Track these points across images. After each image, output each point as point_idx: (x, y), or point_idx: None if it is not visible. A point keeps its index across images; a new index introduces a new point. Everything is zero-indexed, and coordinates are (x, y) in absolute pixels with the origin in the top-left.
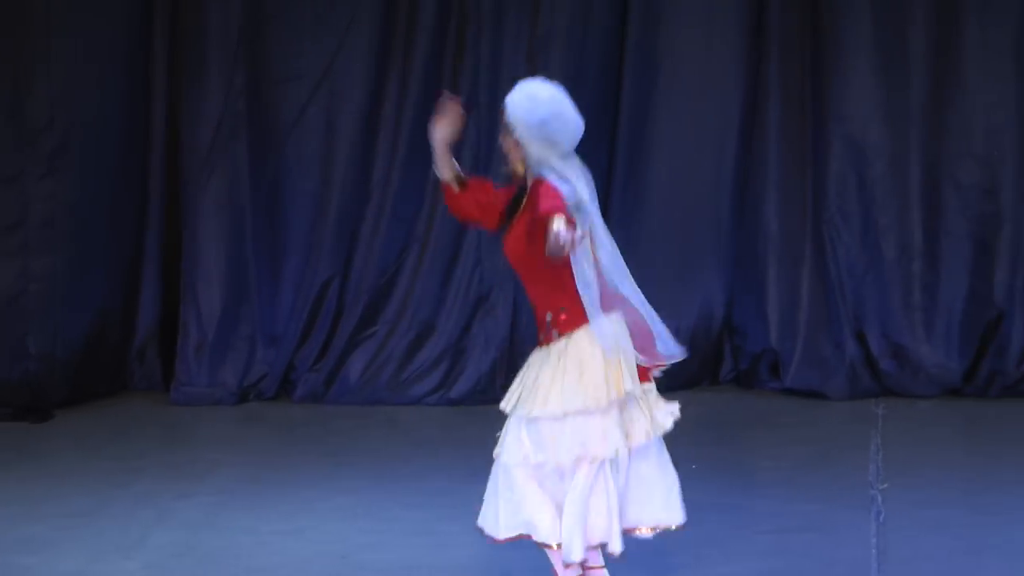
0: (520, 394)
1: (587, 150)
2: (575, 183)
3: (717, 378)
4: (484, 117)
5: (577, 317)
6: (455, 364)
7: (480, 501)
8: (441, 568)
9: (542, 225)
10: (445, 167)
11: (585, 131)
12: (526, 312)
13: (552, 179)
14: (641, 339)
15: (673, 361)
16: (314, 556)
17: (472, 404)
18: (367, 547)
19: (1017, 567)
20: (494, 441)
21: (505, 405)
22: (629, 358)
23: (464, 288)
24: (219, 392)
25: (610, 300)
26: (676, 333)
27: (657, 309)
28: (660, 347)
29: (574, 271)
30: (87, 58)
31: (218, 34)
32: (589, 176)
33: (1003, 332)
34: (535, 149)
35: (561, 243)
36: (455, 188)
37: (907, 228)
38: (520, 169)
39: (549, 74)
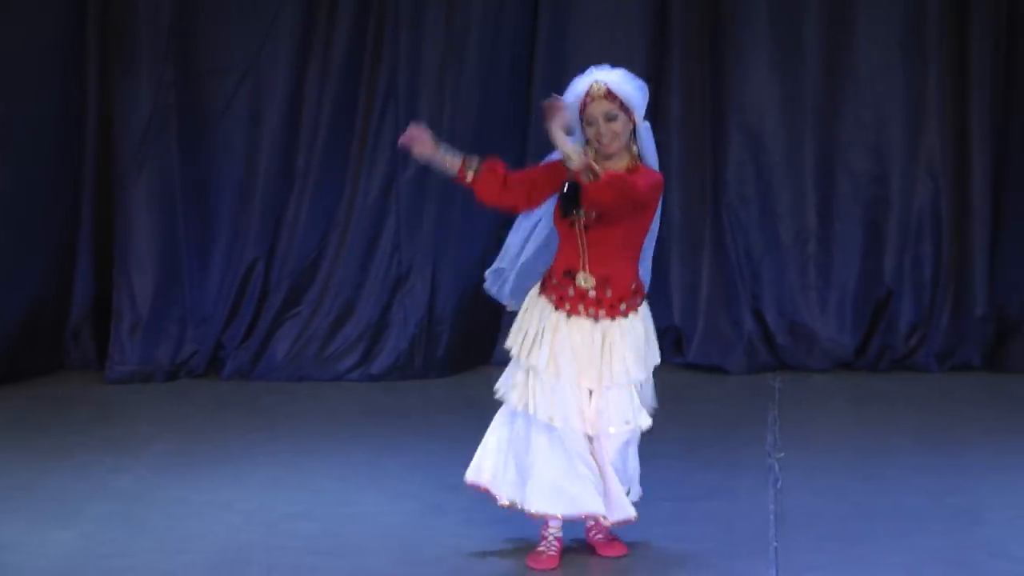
0: (600, 369)
1: (501, 140)
2: (652, 163)
3: None
4: (402, 110)
5: (641, 294)
6: (375, 342)
7: (400, 472)
8: (363, 535)
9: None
10: (574, 155)
11: (498, 123)
12: (444, 292)
13: (649, 159)
14: None
15: None
16: (243, 525)
17: (392, 380)
18: (293, 517)
19: (906, 530)
20: (413, 415)
21: (582, 380)
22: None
23: (383, 270)
24: (151, 370)
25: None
26: None
27: None
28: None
29: (643, 252)
30: (21, 52)
31: (148, 29)
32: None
33: (892, 309)
34: (640, 119)
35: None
36: (587, 177)
37: (802, 212)
38: (614, 150)
39: (463, 69)
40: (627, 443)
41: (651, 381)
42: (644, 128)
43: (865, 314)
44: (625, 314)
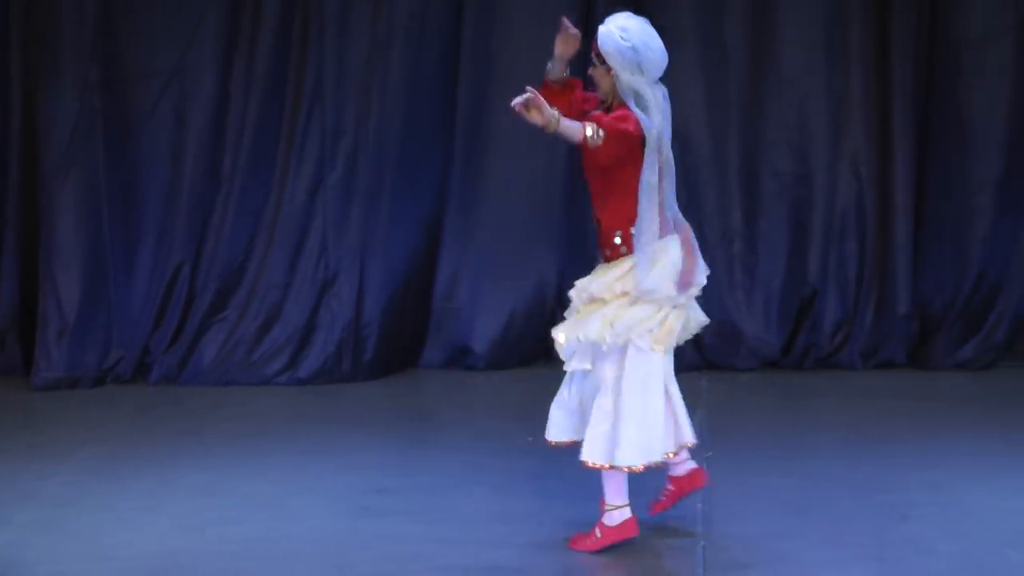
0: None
1: (427, 141)
2: (652, 115)
3: (551, 354)
4: (328, 112)
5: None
6: (303, 345)
7: (329, 476)
8: (293, 538)
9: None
10: (557, 71)
11: (425, 123)
12: (371, 294)
13: (632, 108)
14: (689, 262)
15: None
16: (171, 531)
17: (320, 383)
18: (222, 521)
19: (834, 527)
20: (341, 418)
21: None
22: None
23: (310, 273)
24: (78, 376)
25: (667, 225)
26: (513, 311)
27: (493, 289)
28: (699, 274)
29: (639, 199)
30: None
31: (73, 32)
32: (668, 108)
33: (817, 308)
34: (626, 76)
35: (568, 137)
36: (558, 87)
37: (728, 212)
38: (609, 98)
39: (389, 70)
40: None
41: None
42: (631, 85)
43: (791, 313)
44: (609, 260)
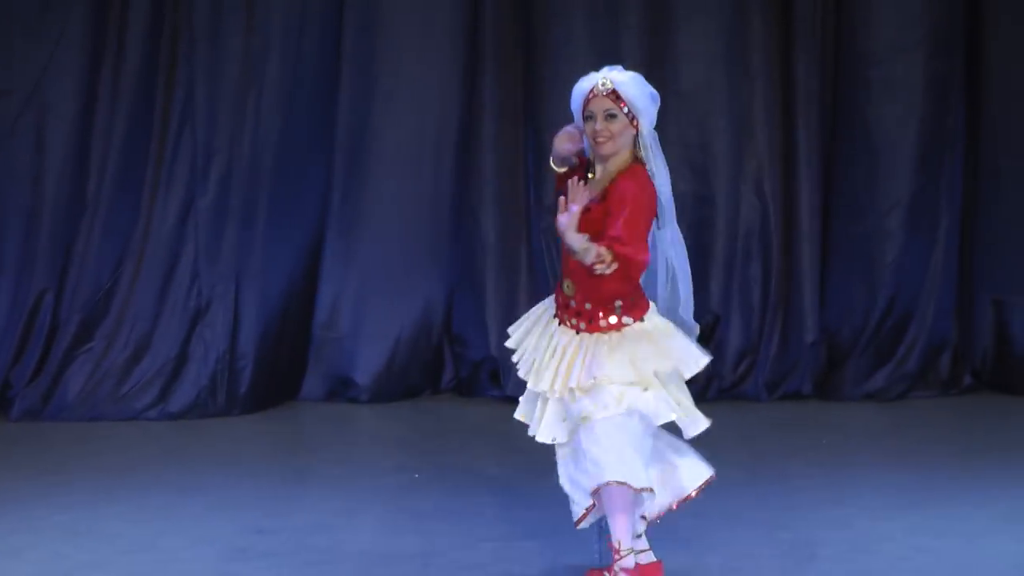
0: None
1: (306, 160)
2: (662, 178)
3: (439, 386)
4: (200, 130)
5: (641, 306)
6: (174, 378)
7: (202, 515)
8: None
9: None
10: (560, 166)
11: (303, 141)
12: (247, 324)
13: (651, 163)
14: None
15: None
16: (34, 575)
17: (192, 418)
18: (88, 565)
19: (738, 566)
20: (215, 454)
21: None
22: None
23: (182, 301)
24: None
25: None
26: (398, 340)
27: (376, 317)
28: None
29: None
30: None
31: None
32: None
33: (719, 336)
34: (647, 127)
35: (592, 267)
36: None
37: None
38: (620, 152)
39: (264, 87)
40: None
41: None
42: (651, 137)
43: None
44: (605, 331)
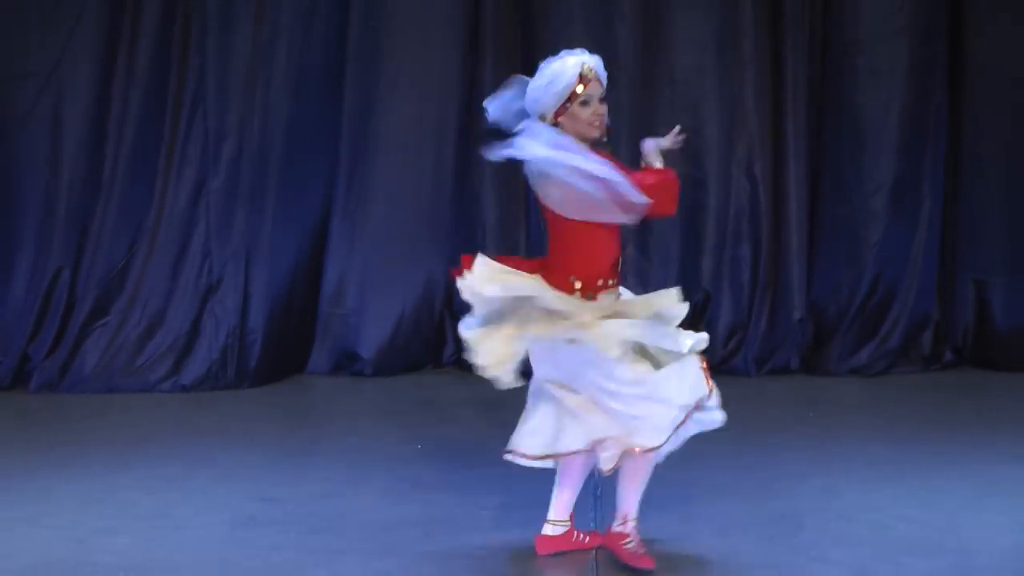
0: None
1: (313, 144)
2: None
3: (440, 361)
4: (211, 115)
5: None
6: (186, 352)
7: (212, 485)
8: (174, 548)
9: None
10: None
11: (310, 125)
12: (256, 301)
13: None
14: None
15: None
16: (52, 541)
17: (203, 390)
18: (104, 531)
19: (727, 535)
20: (225, 426)
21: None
22: None
23: (193, 279)
24: None
25: None
26: (401, 317)
27: (380, 295)
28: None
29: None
30: None
31: None
32: None
33: (710, 313)
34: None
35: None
36: None
37: None
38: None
39: (273, 73)
40: None
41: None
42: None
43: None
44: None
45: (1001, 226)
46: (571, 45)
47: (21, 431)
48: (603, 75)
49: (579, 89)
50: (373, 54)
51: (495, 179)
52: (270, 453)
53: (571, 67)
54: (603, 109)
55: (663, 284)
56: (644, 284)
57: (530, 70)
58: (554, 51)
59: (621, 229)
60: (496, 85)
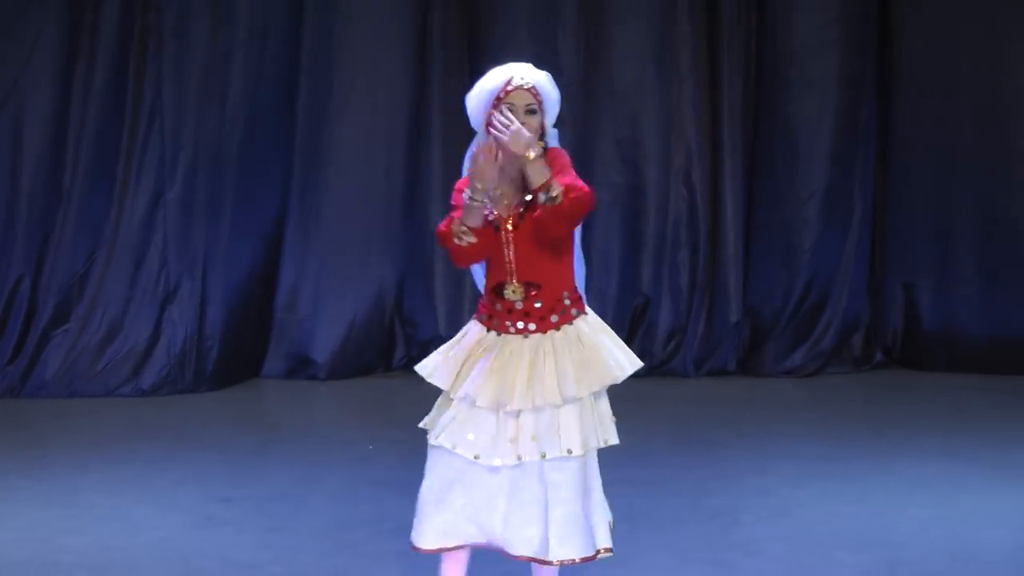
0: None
1: (267, 154)
2: None
3: (391, 364)
4: (168, 127)
5: (579, 304)
6: (145, 357)
7: (171, 486)
8: (134, 548)
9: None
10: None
11: (266, 137)
12: (212, 308)
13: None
14: None
15: None
16: (14, 542)
17: (162, 394)
18: (66, 531)
19: (665, 532)
20: (183, 429)
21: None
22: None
23: (152, 286)
24: None
25: None
26: (352, 322)
27: (333, 301)
28: None
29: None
30: None
31: None
32: None
33: (650, 316)
34: (550, 125)
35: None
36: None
37: None
38: (535, 150)
39: (228, 86)
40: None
41: (604, 398)
42: (553, 135)
43: (624, 321)
44: (557, 326)
45: (928, 231)
46: (517, 57)
47: None
48: (544, 91)
49: (502, 94)
50: (326, 68)
51: (443, 188)
52: (227, 455)
53: (500, 75)
54: (528, 121)
55: (604, 289)
56: (585, 290)
57: (476, 80)
58: (497, 60)
59: (511, 255)
60: (443, 98)
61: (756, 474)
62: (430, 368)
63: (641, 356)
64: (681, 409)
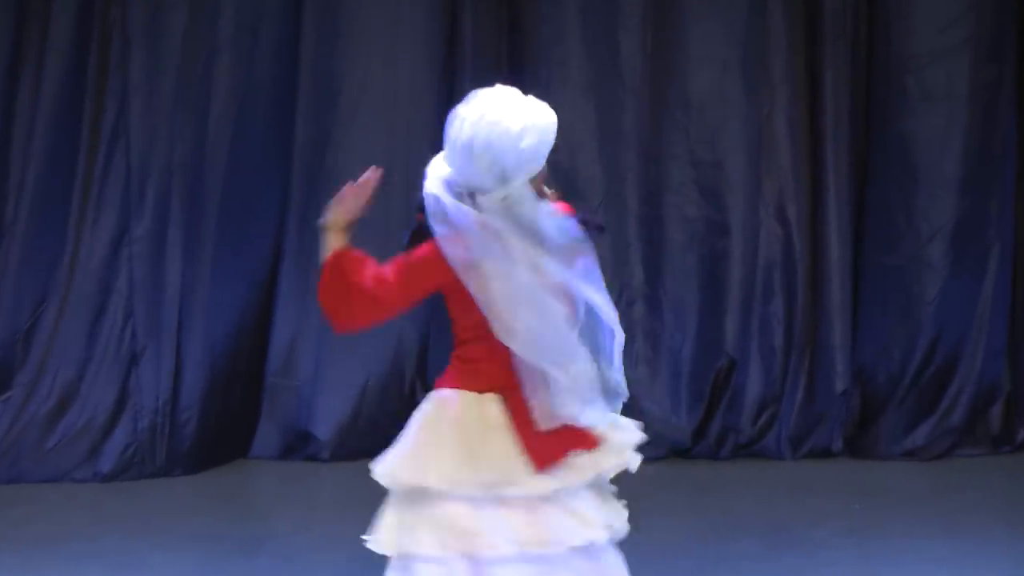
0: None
1: (259, 183)
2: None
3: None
4: (135, 149)
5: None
6: (106, 433)
7: None
8: None
9: None
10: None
11: (256, 158)
12: (189, 371)
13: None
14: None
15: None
16: None
17: (126, 479)
18: None
19: None
20: (154, 520)
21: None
22: None
23: (114, 344)
24: None
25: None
26: (364, 389)
27: (339, 362)
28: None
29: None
30: None
31: None
32: None
33: (736, 383)
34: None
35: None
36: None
37: (625, 267)
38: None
39: (212, 95)
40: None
41: None
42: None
43: (703, 389)
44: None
45: None
46: (567, 60)
47: None
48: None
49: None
50: (330, 70)
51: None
52: (207, 554)
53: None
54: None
55: (678, 350)
56: (655, 349)
57: (518, 84)
58: (547, 67)
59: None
60: None
61: None
62: None
63: (725, 432)
64: (775, 499)
